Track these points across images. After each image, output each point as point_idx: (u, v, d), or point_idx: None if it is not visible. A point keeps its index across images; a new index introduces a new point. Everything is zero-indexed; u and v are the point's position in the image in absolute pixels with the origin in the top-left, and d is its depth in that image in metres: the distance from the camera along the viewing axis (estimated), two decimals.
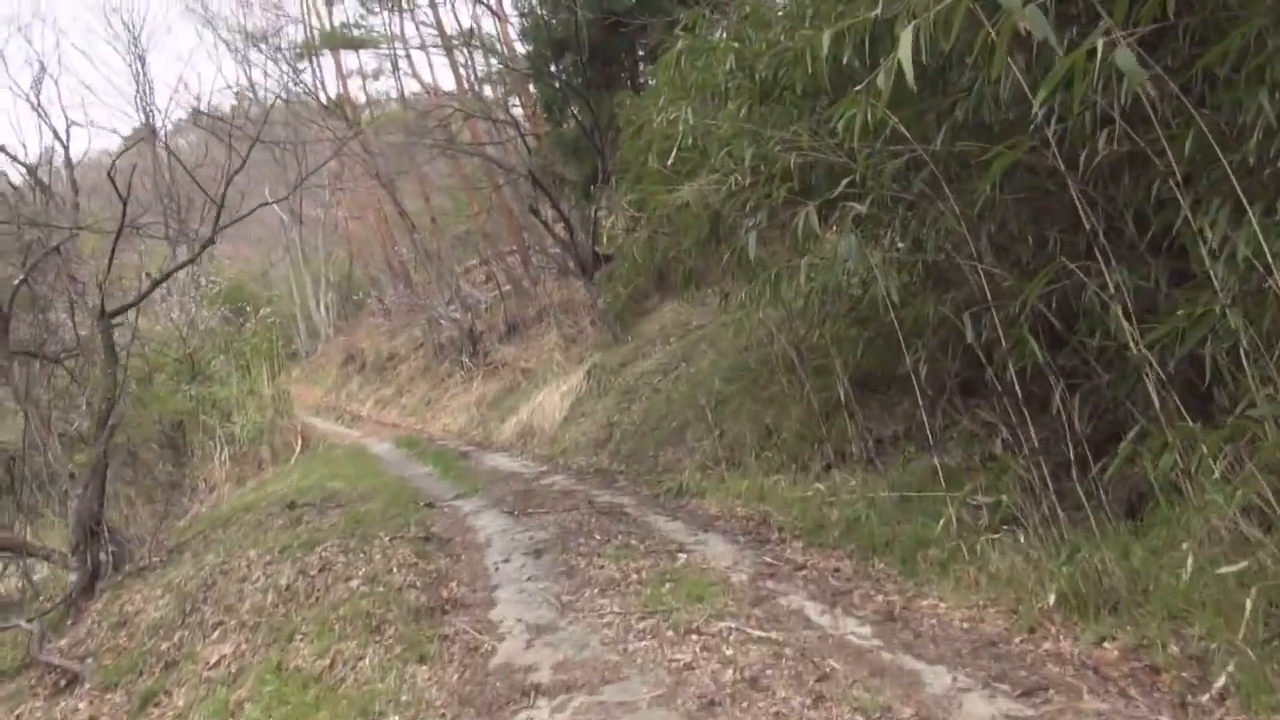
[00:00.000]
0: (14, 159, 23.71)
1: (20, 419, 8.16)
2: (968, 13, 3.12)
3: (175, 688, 4.75)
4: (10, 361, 7.62)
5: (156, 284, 9.66)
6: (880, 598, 4.18)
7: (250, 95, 26.56)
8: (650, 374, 10.46)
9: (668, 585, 4.64)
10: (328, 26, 24.18)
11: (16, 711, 5.37)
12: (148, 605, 6.05)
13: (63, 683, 5.50)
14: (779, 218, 5.17)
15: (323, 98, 24.06)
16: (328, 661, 4.39)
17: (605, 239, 15.57)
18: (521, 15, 16.03)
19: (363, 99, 28.50)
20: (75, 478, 7.42)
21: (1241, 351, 3.14)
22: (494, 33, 20.92)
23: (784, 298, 5.53)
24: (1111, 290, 3.59)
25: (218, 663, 4.82)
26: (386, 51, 24.94)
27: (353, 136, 18.71)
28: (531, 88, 17.66)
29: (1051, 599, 3.52)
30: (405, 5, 21.26)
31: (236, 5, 45.98)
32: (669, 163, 6.12)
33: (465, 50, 20.41)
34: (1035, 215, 4.37)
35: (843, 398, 5.73)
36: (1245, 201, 3.01)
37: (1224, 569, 2.96)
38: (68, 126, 69.78)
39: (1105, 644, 3.20)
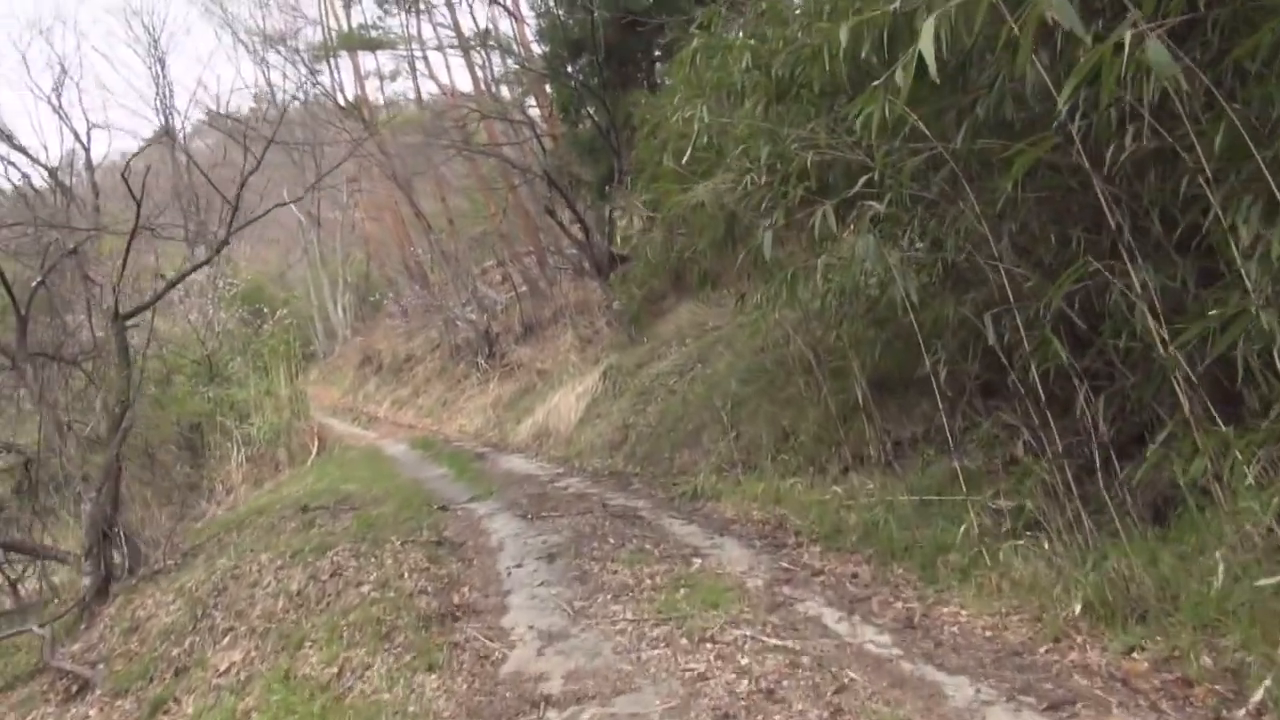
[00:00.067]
0: (36, 161, 24.07)
1: (38, 421, 8.18)
2: (990, 6, 3.05)
3: (185, 695, 4.71)
4: (28, 363, 7.63)
5: (171, 285, 9.71)
6: (899, 604, 4.10)
7: (269, 97, 26.72)
8: (666, 375, 10.38)
9: (682, 591, 4.57)
10: (345, 28, 24.19)
11: (29, 718, 5.36)
12: (160, 610, 6.02)
13: (74, 689, 5.48)
14: (795, 217, 5.09)
15: (340, 99, 24.14)
16: (336, 670, 4.33)
17: (620, 239, 15.62)
18: (538, 16, 16.07)
19: (380, 100, 28.52)
20: (89, 481, 7.42)
21: (1275, 353, 3.04)
22: (510, 33, 20.91)
23: (801, 298, 5.48)
24: (1138, 290, 3.50)
25: (227, 670, 4.78)
26: (404, 53, 24.94)
27: (369, 137, 18.71)
28: (548, 88, 17.63)
29: (1077, 607, 3.42)
30: (422, 7, 21.28)
31: (255, 7, 46.10)
32: (684, 162, 6.08)
33: (482, 51, 20.42)
34: (1058, 214, 4.27)
35: (860, 400, 5.64)
36: (1279, 198, 2.91)
37: (1263, 581, 2.85)
38: (89, 129, 70.16)
39: (1134, 655, 3.10)
